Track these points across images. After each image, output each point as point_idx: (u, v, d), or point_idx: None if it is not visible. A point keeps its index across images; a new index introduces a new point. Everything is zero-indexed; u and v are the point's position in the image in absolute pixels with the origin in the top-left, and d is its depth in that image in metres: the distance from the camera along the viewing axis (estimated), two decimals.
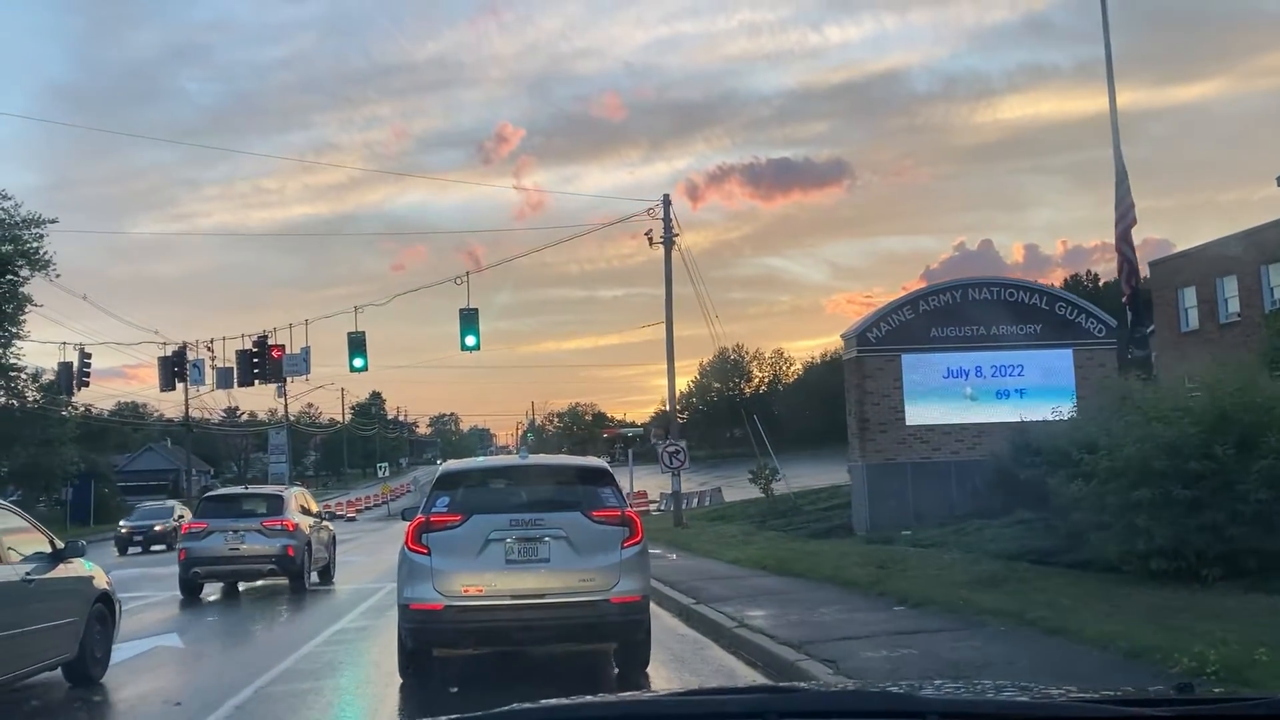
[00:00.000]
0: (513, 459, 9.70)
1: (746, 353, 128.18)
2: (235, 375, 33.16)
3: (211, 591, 15.72)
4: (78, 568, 8.37)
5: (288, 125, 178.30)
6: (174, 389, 33.18)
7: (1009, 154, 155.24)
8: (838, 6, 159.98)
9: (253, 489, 19.00)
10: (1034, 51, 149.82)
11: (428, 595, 7.16)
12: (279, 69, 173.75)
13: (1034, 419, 17.75)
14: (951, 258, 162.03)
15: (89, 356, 35.21)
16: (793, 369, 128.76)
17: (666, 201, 29.54)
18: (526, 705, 1.49)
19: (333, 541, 18.31)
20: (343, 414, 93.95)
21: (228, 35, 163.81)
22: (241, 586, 15.99)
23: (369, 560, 21.47)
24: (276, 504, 16.15)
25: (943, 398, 20.14)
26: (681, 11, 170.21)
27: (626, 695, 1.61)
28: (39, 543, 8.06)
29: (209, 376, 33.61)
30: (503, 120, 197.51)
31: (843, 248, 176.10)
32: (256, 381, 33.13)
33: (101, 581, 8.68)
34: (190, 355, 34.23)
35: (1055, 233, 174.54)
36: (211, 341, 34.37)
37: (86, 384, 35.58)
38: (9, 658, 6.86)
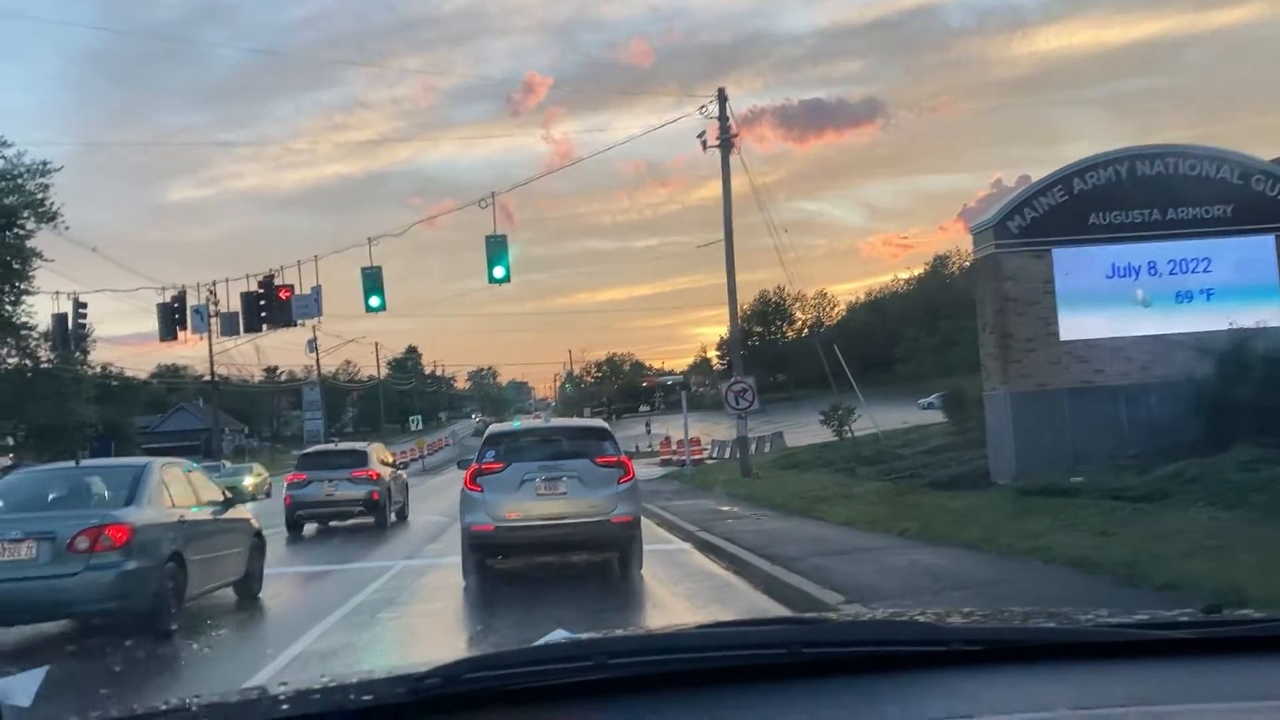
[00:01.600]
0: (539, 423, 13.32)
1: (788, 295, 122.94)
2: (241, 320, 28.88)
3: (309, 530, 18.25)
4: (241, 511, 10.39)
5: (315, 83, 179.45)
6: (175, 338, 29.14)
7: (1046, 86, 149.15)
8: None
9: (341, 445, 21.96)
10: None
11: (483, 520, 10.06)
12: (304, 27, 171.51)
13: (1224, 326, 13.90)
14: (988, 195, 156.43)
15: (84, 307, 31.27)
16: (836, 310, 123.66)
17: (722, 97, 24.63)
18: (562, 638, 1.58)
19: (406, 488, 21.00)
20: (378, 368, 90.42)
21: None
22: (333, 524, 18.49)
23: (425, 505, 23.25)
24: (361, 457, 18.98)
25: (1107, 304, 15.32)
26: None
27: (654, 628, 1.68)
28: (216, 494, 10.08)
29: (215, 324, 29.38)
30: (530, 70, 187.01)
31: (878, 188, 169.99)
32: (265, 326, 28.87)
33: (255, 522, 10.70)
34: (192, 301, 29.97)
35: None
36: (214, 284, 30.13)
37: (83, 337, 31.63)
38: (207, 575, 9.14)
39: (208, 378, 55.77)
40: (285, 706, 1.37)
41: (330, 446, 21.97)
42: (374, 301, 25.87)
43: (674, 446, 38.35)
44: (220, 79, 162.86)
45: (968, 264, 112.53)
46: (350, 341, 76.98)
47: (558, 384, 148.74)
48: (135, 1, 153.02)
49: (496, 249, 23.91)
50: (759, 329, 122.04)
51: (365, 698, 1.37)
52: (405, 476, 21.96)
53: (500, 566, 10.91)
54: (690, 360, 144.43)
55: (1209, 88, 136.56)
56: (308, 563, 14.09)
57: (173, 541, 8.53)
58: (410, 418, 76.45)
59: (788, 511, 15.46)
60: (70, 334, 31.01)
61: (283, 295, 28.59)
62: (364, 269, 25.85)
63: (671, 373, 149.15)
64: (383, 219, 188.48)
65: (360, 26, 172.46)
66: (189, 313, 29.88)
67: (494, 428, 12.36)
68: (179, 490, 9.25)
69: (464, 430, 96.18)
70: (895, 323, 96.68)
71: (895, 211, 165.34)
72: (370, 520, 18.27)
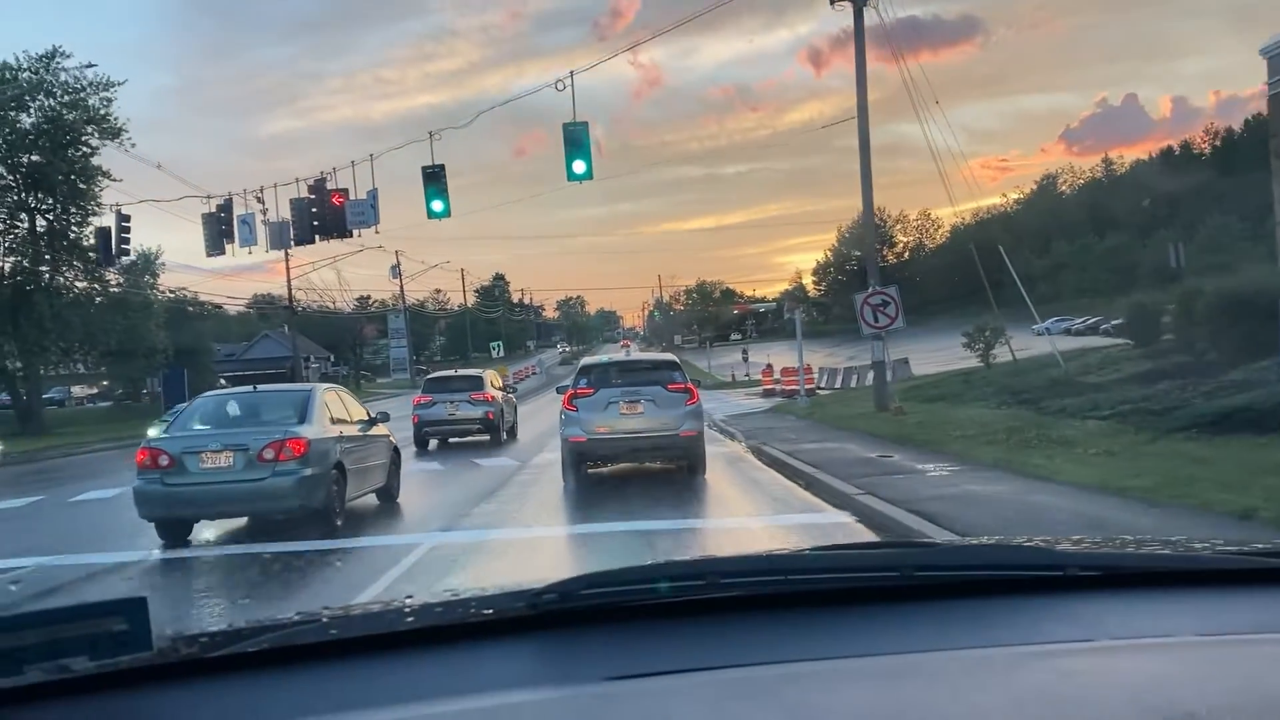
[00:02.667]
0: (623, 355, 19.02)
1: (889, 216, 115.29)
2: (290, 231, 25.16)
3: (434, 446, 20.37)
4: (382, 429, 11.85)
5: (405, 12, 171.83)
6: (222, 251, 25.69)
7: None
8: None
9: (460, 371, 23.70)
10: None
11: (577, 433, 12.47)
12: None
13: None
14: (1093, 115, 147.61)
15: (127, 219, 28.12)
16: (940, 233, 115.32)
17: None
18: (685, 559, 1.63)
19: (516, 409, 23.67)
20: (464, 295, 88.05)
21: None
22: (452, 441, 20.73)
23: (531, 425, 24.89)
24: (478, 382, 21.35)
25: None
26: None
27: (768, 551, 1.62)
28: (363, 414, 11.59)
29: (261, 234, 25.76)
30: None
31: (976, 110, 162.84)
32: (317, 237, 25.11)
33: (393, 438, 12.28)
34: (239, 210, 26.39)
35: (1208, 82, 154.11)
36: (261, 190, 26.57)
37: (126, 251, 28.55)
38: (361, 482, 10.63)
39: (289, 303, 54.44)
40: (410, 619, 1.40)
41: (451, 372, 23.55)
42: (436, 206, 22.03)
43: (777, 375, 34.87)
44: (309, 10, 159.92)
45: (1083, 181, 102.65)
46: (434, 267, 78.77)
47: (646, 312, 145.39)
48: None
49: (576, 140, 19.57)
50: (858, 253, 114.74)
51: (486, 611, 1.41)
52: (515, 400, 24.51)
53: (592, 471, 13.13)
54: (782, 287, 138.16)
55: None
56: (445, 469, 16.34)
57: (336, 453, 9.92)
58: (491, 344, 73.00)
59: (975, 463, 11.01)
60: (115, 248, 27.85)
61: (336, 201, 24.79)
62: (424, 168, 21.90)
63: (764, 299, 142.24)
64: (472, 148, 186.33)
65: None
66: (236, 223, 26.22)
67: (585, 359, 15.78)
68: (337, 410, 10.68)
69: (550, 359, 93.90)
70: (1006, 245, 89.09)
71: (994, 133, 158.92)
72: (486, 438, 20.65)
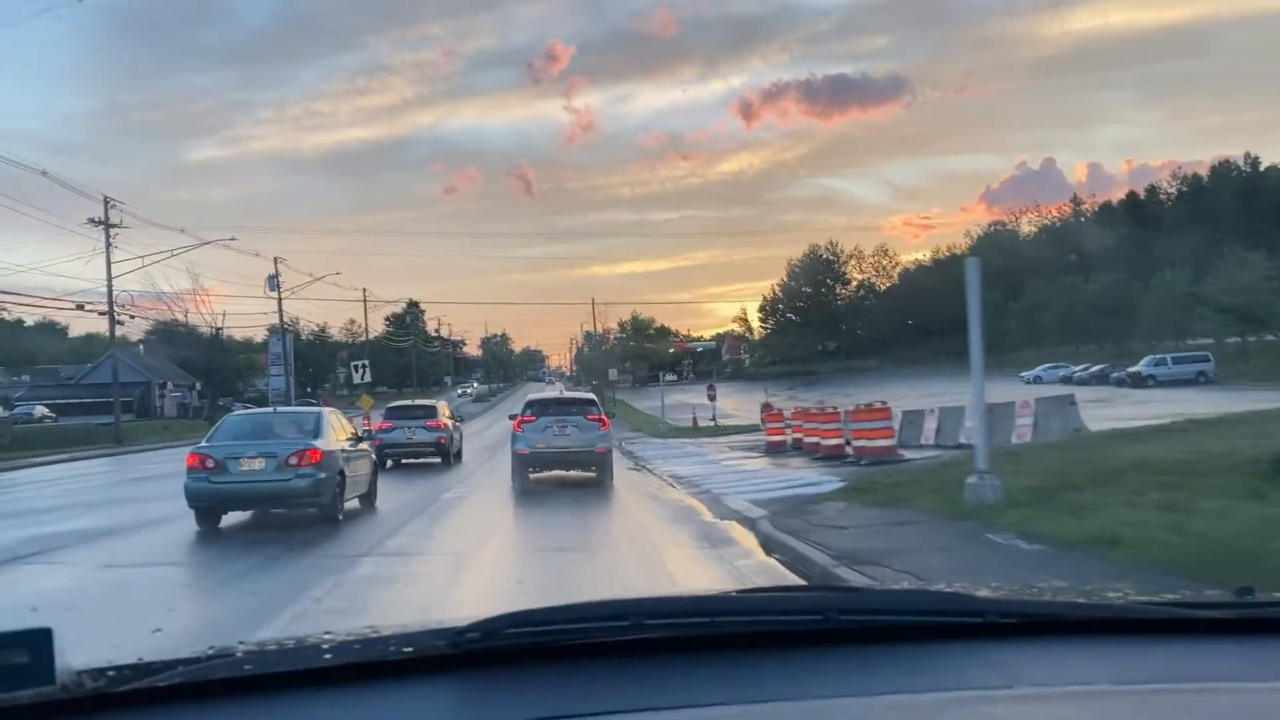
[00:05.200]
0: (556, 393, 30.48)
1: (841, 251, 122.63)
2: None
3: (392, 467, 26.01)
4: (365, 446, 16.93)
5: (340, 47, 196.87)
6: None
7: (1077, 68, 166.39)
8: None
9: (418, 401, 31.66)
10: None
11: (524, 447, 19.58)
12: None
13: None
14: (1013, 177, 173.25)
15: None
16: (895, 268, 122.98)
17: None
18: (611, 599, 1.75)
19: (462, 436, 30.88)
20: (365, 317, 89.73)
21: None
22: (405, 462, 26.88)
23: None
24: (432, 411, 28.04)
25: None
26: None
27: (695, 590, 2.33)
28: (352, 431, 16.45)
29: None
30: (554, 38, 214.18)
31: (901, 167, 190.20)
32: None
33: (373, 454, 17.84)
34: None
35: (1121, 150, 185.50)
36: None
37: None
38: (354, 487, 15.30)
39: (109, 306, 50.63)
40: (328, 655, 1.54)
41: (409, 402, 31.13)
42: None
43: (788, 418, 28.83)
44: (243, 40, 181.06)
45: (1047, 222, 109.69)
46: (319, 279, 68.20)
47: (574, 349, 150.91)
48: None
49: None
50: (806, 289, 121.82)
51: (405, 649, 1.55)
52: (462, 428, 31.97)
53: (533, 477, 20.02)
54: (712, 331, 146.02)
55: (1245, 73, 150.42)
56: (405, 482, 22.40)
57: (340, 462, 14.57)
58: (348, 379, 69.79)
59: None
60: None
61: None
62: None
63: (700, 339, 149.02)
64: (403, 185, 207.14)
65: None
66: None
67: (531, 395, 24.15)
68: (338, 429, 15.45)
69: (457, 398, 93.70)
70: (958, 289, 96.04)
71: (918, 191, 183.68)
72: (438, 460, 27.08)
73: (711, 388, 48.72)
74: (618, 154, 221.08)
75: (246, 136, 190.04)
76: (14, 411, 65.19)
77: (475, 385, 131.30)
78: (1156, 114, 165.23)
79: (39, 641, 1.21)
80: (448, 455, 27.12)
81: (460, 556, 11.53)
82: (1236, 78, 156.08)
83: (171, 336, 67.38)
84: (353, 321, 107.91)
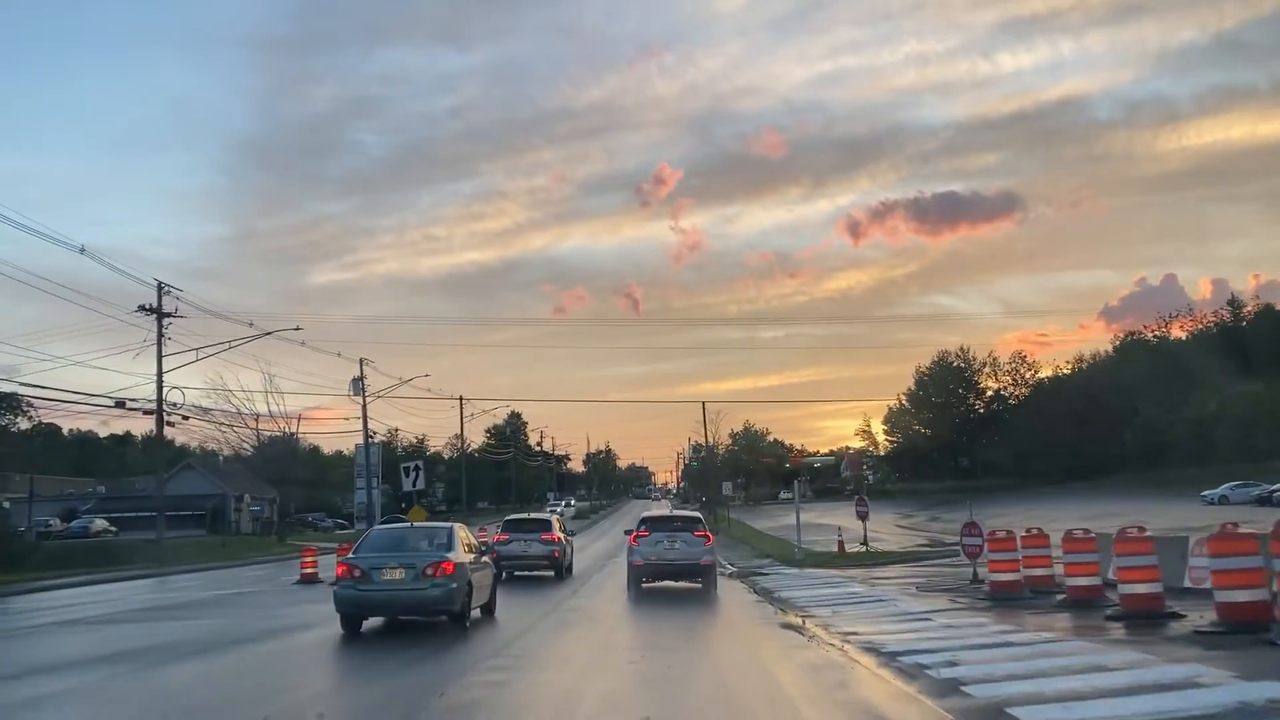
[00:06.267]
0: (666, 511, 38.97)
1: (974, 358, 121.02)
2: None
3: (506, 579, 27.89)
4: (487, 559, 19.35)
5: (456, 174, 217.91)
6: None
7: (1196, 182, 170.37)
8: (1010, 32, 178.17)
9: (533, 515, 35.64)
10: (1226, 72, 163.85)
11: (638, 559, 23.86)
12: (447, 119, 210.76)
13: None
14: (1133, 294, 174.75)
15: None
16: (1033, 376, 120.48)
17: None
18: None
19: (574, 549, 34.13)
20: (460, 426, 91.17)
21: (400, 88, 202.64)
22: (519, 574, 29.39)
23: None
24: (547, 525, 30.89)
25: None
26: (845, 45, 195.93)
27: None
28: (476, 544, 18.82)
29: None
30: (661, 161, 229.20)
31: (1015, 284, 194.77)
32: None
33: (493, 565, 20.13)
34: None
35: (1248, 266, 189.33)
36: None
37: None
38: (478, 596, 17.47)
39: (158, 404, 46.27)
40: None
41: (524, 515, 34.28)
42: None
43: (1060, 552, 18.71)
44: (365, 169, 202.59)
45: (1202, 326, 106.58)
46: (407, 381, 64.35)
47: (680, 465, 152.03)
48: (291, 96, 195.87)
49: None
50: (936, 399, 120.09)
51: None
52: (573, 542, 34.97)
53: (646, 586, 24.12)
54: (827, 448, 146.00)
55: None
56: (524, 593, 24.67)
57: (468, 573, 16.70)
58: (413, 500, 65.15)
59: None
60: None
61: None
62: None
63: (817, 454, 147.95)
64: (514, 305, 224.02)
65: (501, 118, 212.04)
66: None
67: (646, 513, 27.91)
68: (466, 542, 17.67)
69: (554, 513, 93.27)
70: (1119, 397, 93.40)
71: (1033, 308, 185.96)
72: (551, 574, 29.65)
73: (862, 502, 43.12)
74: (724, 272, 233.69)
75: (367, 260, 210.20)
76: (72, 525, 67.32)
77: (573, 502, 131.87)
78: None
79: None
80: (560, 569, 29.78)
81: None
82: None
83: (259, 447, 64.92)
84: (456, 436, 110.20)
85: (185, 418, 48.92)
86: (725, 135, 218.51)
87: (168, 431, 49.60)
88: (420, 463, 54.52)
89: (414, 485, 55.68)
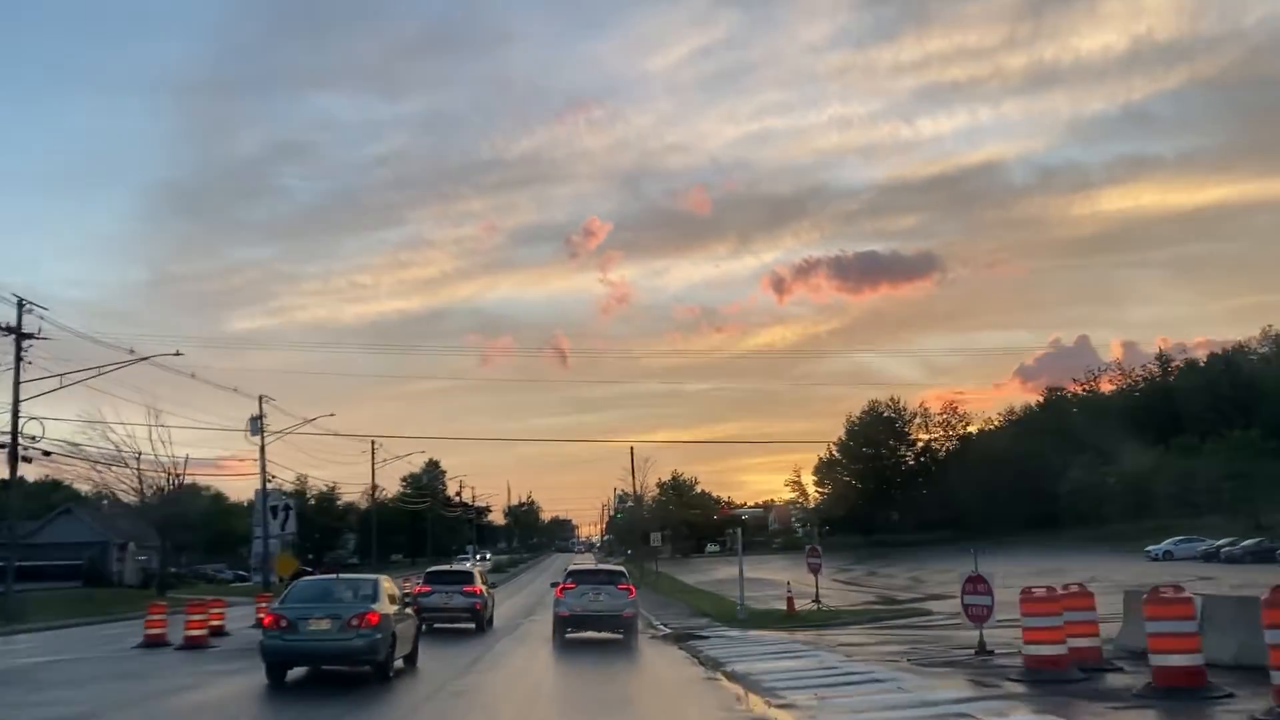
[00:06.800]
0: (591, 564, 48.33)
1: (904, 408, 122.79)
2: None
3: (429, 631, 27.66)
4: (410, 610, 20.47)
5: (384, 222, 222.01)
6: None
7: (1108, 247, 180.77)
8: (930, 99, 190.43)
9: (454, 567, 37.31)
10: (1135, 142, 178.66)
11: (563, 609, 26.35)
12: (376, 166, 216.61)
13: None
14: (1046, 354, 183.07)
15: None
16: (966, 427, 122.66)
17: None
18: None
19: (494, 601, 35.18)
20: (372, 473, 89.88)
21: (328, 134, 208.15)
22: (439, 625, 29.80)
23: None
24: (468, 577, 31.83)
25: None
26: (772, 106, 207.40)
27: None
28: (398, 595, 19.33)
29: None
30: (591, 214, 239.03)
31: (933, 342, 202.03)
32: None
33: (415, 617, 21.05)
34: None
35: (1156, 329, 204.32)
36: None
37: None
38: (401, 647, 18.17)
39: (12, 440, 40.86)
40: None
41: (446, 568, 35.20)
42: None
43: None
44: (291, 214, 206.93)
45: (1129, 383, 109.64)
46: (310, 420, 61.70)
47: (605, 516, 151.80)
48: (218, 140, 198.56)
49: None
50: (867, 450, 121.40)
51: None
52: (494, 594, 36.08)
53: (569, 637, 25.92)
54: (751, 501, 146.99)
55: (1276, 255, 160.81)
56: (445, 644, 25.73)
57: (392, 624, 17.49)
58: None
59: None
60: None
61: None
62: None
63: (744, 506, 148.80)
64: (438, 355, 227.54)
65: (431, 166, 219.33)
66: None
67: (571, 565, 33.38)
68: (390, 594, 18.42)
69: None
70: (1036, 453, 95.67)
71: (950, 367, 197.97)
72: (472, 625, 30.51)
73: (814, 553, 40.60)
74: (652, 325, 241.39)
75: (290, 306, 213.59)
76: None
77: (489, 556, 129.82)
78: (1188, 294, 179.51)
79: None
80: (482, 621, 30.84)
81: None
82: (1262, 259, 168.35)
83: (142, 490, 57.20)
84: (377, 487, 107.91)
85: (46, 454, 43.10)
86: (654, 190, 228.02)
87: (50, 472, 45.11)
88: (291, 503, 52.16)
89: (282, 528, 51.66)
